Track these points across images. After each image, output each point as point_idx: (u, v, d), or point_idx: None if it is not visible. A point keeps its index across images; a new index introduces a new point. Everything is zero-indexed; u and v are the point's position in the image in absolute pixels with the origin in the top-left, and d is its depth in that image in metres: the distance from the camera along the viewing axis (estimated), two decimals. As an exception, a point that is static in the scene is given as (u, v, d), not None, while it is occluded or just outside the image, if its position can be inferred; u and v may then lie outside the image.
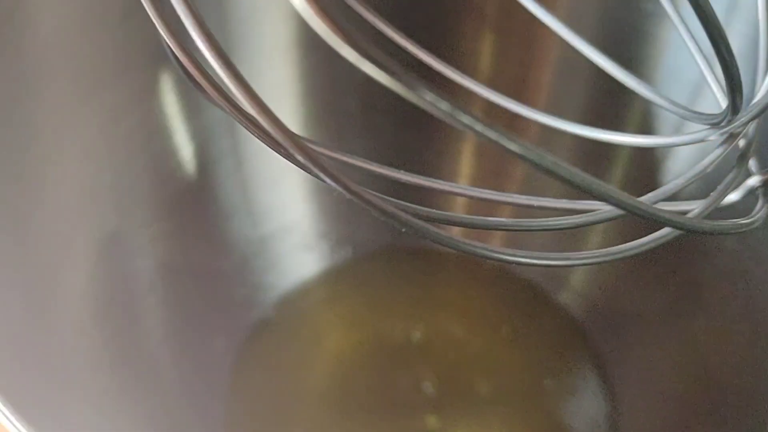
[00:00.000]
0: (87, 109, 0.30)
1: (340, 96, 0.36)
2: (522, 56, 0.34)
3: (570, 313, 0.36)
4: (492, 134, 0.13)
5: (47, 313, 0.27)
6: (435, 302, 0.38)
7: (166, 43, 0.22)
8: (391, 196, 0.17)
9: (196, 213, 0.35)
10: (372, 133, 0.36)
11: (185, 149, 0.34)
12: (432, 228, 0.17)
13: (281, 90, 0.35)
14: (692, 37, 0.23)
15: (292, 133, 0.15)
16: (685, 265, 0.32)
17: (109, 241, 0.31)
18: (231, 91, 0.18)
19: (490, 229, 0.19)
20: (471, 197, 0.22)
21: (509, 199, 0.22)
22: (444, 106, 0.13)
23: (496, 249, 0.18)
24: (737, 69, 0.15)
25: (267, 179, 0.36)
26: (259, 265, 0.36)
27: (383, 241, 0.38)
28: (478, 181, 0.36)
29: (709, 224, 0.17)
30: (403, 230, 0.16)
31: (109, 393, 0.28)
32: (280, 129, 0.15)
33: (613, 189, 0.16)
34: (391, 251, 0.38)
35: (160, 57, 0.32)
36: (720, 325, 0.32)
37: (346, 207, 0.38)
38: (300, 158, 0.15)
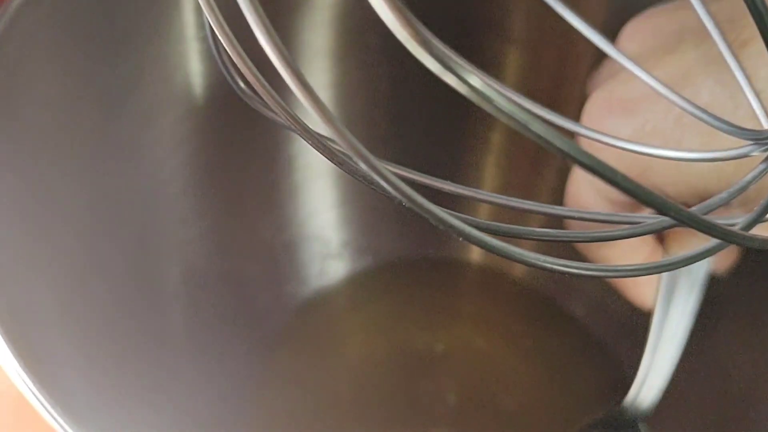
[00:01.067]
0: (121, 113, 0.30)
1: (368, 106, 0.36)
2: (553, 71, 0.34)
3: (590, 327, 0.36)
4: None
5: (79, 308, 0.27)
6: (456, 313, 0.38)
7: (215, 46, 0.22)
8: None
9: (221, 219, 0.35)
10: (398, 143, 0.36)
11: (213, 156, 0.34)
12: (494, 240, 0.17)
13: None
14: (732, 53, 0.23)
15: (358, 142, 0.15)
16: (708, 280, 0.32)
17: (135, 246, 0.31)
18: (283, 101, 0.18)
19: (536, 240, 0.19)
20: (513, 208, 0.22)
21: (550, 210, 0.22)
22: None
23: (550, 260, 0.18)
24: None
25: (291, 188, 0.36)
26: (282, 273, 0.37)
27: (405, 251, 0.38)
28: (503, 194, 0.36)
29: (760, 239, 0.17)
30: (461, 240, 0.16)
31: (134, 395, 0.28)
32: (344, 138, 0.15)
33: (664, 197, 0.16)
34: (412, 261, 0.38)
35: (189, 63, 0.32)
36: (742, 338, 0.33)
37: (369, 216, 0.38)
38: (364, 167, 0.15)
